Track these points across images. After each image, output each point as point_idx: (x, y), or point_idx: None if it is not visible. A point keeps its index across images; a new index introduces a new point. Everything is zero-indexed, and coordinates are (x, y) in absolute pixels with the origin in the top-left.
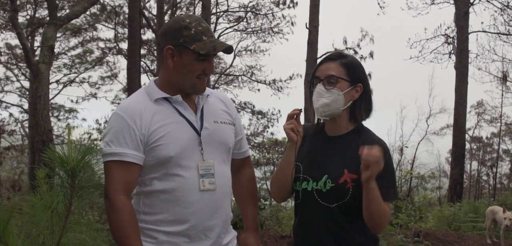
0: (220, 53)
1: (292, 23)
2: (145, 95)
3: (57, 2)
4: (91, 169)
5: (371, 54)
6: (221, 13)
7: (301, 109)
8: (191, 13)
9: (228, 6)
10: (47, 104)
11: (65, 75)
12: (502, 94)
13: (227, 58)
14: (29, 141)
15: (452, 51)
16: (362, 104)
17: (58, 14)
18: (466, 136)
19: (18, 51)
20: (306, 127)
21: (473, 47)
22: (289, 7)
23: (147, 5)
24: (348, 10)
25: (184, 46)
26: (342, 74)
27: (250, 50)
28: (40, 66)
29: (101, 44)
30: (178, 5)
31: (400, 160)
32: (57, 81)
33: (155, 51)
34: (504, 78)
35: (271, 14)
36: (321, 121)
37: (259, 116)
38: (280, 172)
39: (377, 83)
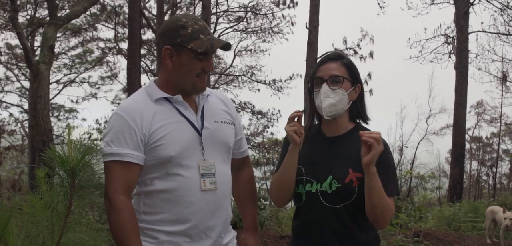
0: (220, 53)
1: (292, 23)
2: (145, 95)
3: (57, 2)
4: (91, 169)
5: (371, 54)
6: (221, 13)
7: (302, 111)
8: (188, 13)
9: (228, 6)
10: (47, 104)
11: (65, 75)
12: (502, 94)
13: (227, 58)
14: (29, 141)
15: (452, 51)
16: (360, 104)
17: (58, 14)
18: (466, 136)
19: (18, 51)
20: None
21: (473, 47)
22: (289, 7)
23: (147, 5)
24: (348, 10)
25: (182, 45)
26: (345, 75)
27: (250, 50)
28: (40, 66)
29: (101, 44)
30: (178, 5)
31: (400, 160)
32: (57, 81)
33: (155, 51)
34: (504, 78)
35: (271, 14)
36: (315, 121)
37: (259, 116)
38: (282, 175)
39: (377, 83)
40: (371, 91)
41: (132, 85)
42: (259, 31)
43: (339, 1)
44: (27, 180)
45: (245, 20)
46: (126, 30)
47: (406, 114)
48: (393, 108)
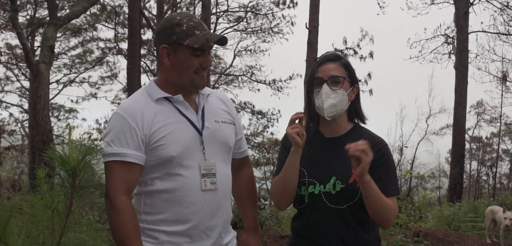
0: (220, 54)
1: (292, 23)
2: (146, 95)
3: (57, 2)
4: (92, 169)
5: (371, 54)
6: (221, 13)
7: (304, 112)
8: (183, 11)
9: (228, 6)
10: (47, 104)
11: (65, 75)
12: (502, 94)
13: (227, 58)
14: (29, 141)
15: (452, 51)
16: (357, 104)
17: (58, 14)
18: (466, 135)
19: (18, 51)
20: None
21: (473, 47)
22: (289, 7)
23: (147, 5)
24: (348, 10)
25: (178, 43)
26: (345, 75)
27: (250, 50)
28: (40, 66)
29: (101, 44)
30: (178, 5)
31: (400, 160)
32: (57, 81)
33: (155, 51)
34: (503, 78)
35: (271, 14)
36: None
37: (259, 116)
38: (285, 178)
39: (377, 83)
40: (371, 91)
41: (132, 85)
42: (259, 31)
43: (339, 1)
44: (27, 180)
45: (245, 20)
46: (126, 30)
47: (406, 115)
48: (393, 108)
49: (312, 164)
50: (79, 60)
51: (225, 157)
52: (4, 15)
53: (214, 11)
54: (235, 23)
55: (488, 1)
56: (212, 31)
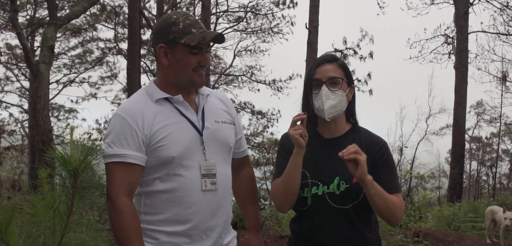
0: (220, 54)
1: (292, 23)
2: (145, 96)
3: (57, 2)
4: (92, 170)
5: (371, 54)
6: (221, 13)
7: (305, 113)
8: (179, 10)
9: (228, 6)
10: (47, 104)
11: (65, 75)
12: (502, 94)
13: (227, 58)
14: (29, 141)
15: (452, 51)
16: (352, 105)
17: (58, 14)
18: (466, 136)
19: (18, 51)
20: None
21: (472, 47)
22: (289, 7)
23: (147, 5)
24: (347, 10)
25: (175, 41)
26: (342, 76)
27: (250, 50)
28: (40, 66)
29: (101, 44)
30: (178, 5)
31: (400, 160)
32: (57, 81)
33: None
34: (503, 78)
35: (271, 14)
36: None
37: (259, 116)
38: (288, 180)
39: (377, 84)
40: (371, 91)
41: (132, 86)
42: (259, 31)
43: (339, 1)
44: (27, 180)
45: (245, 20)
46: (126, 30)
47: (406, 115)
48: (393, 109)
49: (314, 165)
50: (79, 60)
51: (225, 157)
52: (4, 15)
53: (214, 11)
54: (235, 23)
55: (488, 1)
56: (212, 30)
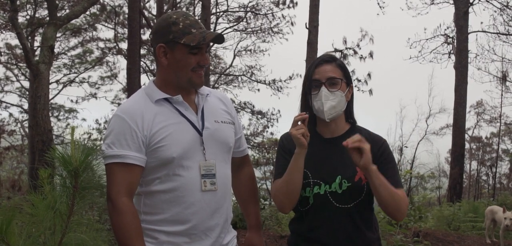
0: (220, 53)
1: (292, 23)
2: (145, 96)
3: (57, 2)
4: (92, 170)
5: (371, 54)
6: (221, 13)
7: (307, 113)
8: (179, 10)
9: (228, 6)
10: (47, 104)
11: (65, 75)
12: (502, 94)
13: (227, 58)
14: (29, 141)
15: (452, 51)
16: (351, 105)
17: (58, 14)
18: (466, 135)
19: (18, 51)
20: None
21: (472, 47)
22: (289, 7)
23: (147, 5)
24: (347, 10)
25: (174, 41)
26: (341, 76)
27: (250, 50)
28: (40, 66)
29: (101, 44)
30: (178, 5)
31: (400, 160)
32: (57, 81)
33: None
34: (503, 78)
35: (271, 14)
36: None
37: (259, 116)
38: (290, 181)
39: (377, 83)
40: (371, 91)
41: (132, 85)
42: (259, 31)
43: (338, 1)
44: (27, 180)
45: (245, 20)
46: (126, 30)
47: (406, 114)
48: (393, 108)
49: (315, 165)
50: (79, 60)
51: (225, 157)
52: (4, 15)
53: (214, 11)
54: (235, 23)
55: (488, 1)
56: (211, 30)
